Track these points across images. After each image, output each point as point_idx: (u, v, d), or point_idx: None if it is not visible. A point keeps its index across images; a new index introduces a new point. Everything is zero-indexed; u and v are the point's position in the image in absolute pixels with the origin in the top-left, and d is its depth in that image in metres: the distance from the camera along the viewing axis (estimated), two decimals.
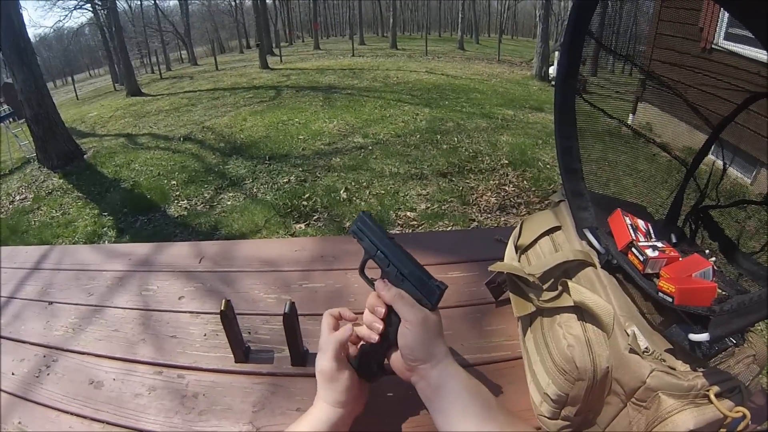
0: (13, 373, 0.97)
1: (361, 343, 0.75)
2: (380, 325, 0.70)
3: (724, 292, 0.61)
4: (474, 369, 0.86)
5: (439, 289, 0.68)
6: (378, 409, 0.79)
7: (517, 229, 0.89)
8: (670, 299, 0.58)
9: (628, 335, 0.59)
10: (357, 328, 0.75)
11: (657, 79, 0.81)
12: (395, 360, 0.71)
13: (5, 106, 9.38)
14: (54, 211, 5.65)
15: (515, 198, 4.75)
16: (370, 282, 0.75)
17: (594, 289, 0.66)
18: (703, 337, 0.53)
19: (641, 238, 0.70)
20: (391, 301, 0.68)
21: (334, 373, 0.70)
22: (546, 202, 4.56)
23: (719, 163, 0.81)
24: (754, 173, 4.76)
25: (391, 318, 0.70)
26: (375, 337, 0.71)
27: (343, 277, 1.15)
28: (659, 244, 0.68)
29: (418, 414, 0.78)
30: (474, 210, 4.54)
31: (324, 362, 0.71)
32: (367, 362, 0.73)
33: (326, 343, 0.72)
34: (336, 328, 0.75)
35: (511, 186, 5.04)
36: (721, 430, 0.56)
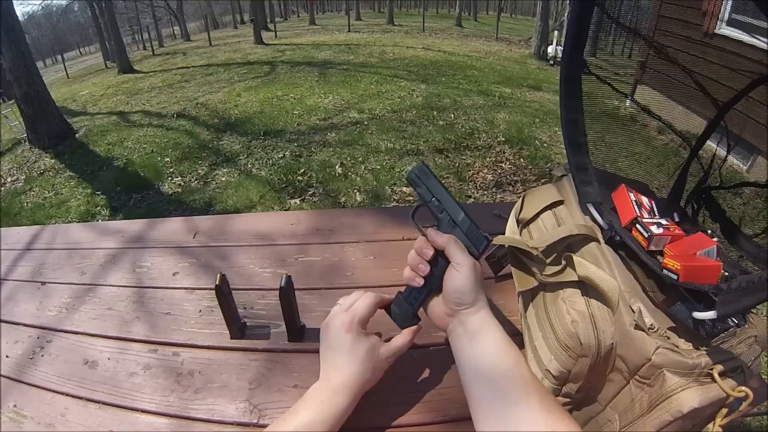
0: (7, 356, 0.95)
1: (399, 290, 0.77)
2: (426, 268, 0.72)
3: (727, 272, 0.60)
4: None
5: (486, 240, 0.71)
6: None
7: (518, 203, 0.88)
8: (675, 276, 0.57)
9: (634, 312, 0.58)
10: (405, 271, 0.76)
11: (665, 56, 0.79)
12: (434, 306, 0.73)
13: None
14: (46, 191, 5.60)
15: (511, 176, 4.74)
16: (420, 228, 0.77)
17: (598, 265, 0.65)
18: (709, 315, 0.53)
19: (645, 215, 0.69)
20: (445, 245, 0.70)
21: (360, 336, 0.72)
22: (543, 180, 4.56)
23: (718, 146, 0.80)
24: (750, 160, 4.77)
25: (438, 261, 0.72)
26: (420, 281, 0.72)
27: (339, 250, 1.14)
28: (663, 222, 0.67)
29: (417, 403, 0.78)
30: (470, 186, 4.54)
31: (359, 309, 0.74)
32: (406, 308, 0.76)
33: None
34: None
35: (507, 163, 5.03)
36: (723, 409, 0.55)
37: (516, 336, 0.86)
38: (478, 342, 0.65)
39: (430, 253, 0.72)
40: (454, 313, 0.68)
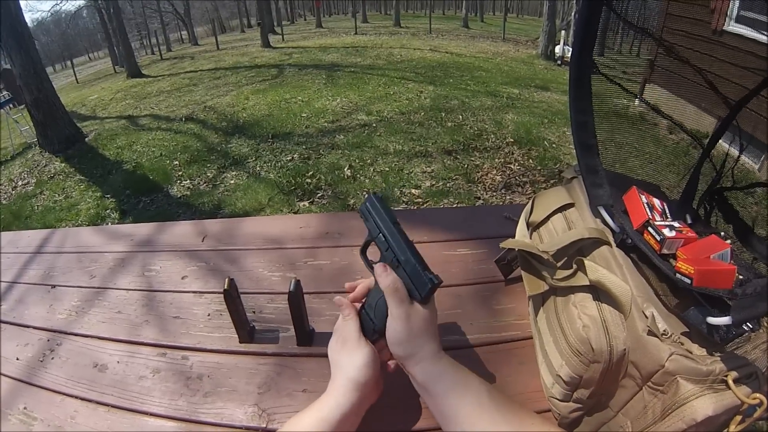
0: (17, 358, 0.96)
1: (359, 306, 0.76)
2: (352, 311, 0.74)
3: (741, 276, 0.59)
4: (483, 348, 0.85)
5: (431, 283, 0.66)
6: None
7: (528, 206, 0.87)
8: (689, 281, 0.56)
9: (647, 317, 0.57)
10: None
11: (676, 55, 0.78)
12: (387, 350, 0.71)
13: (5, 92, 9.41)
14: (57, 195, 5.66)
15: (520, 177, 4.72)
16: (369, 264, 0.75)
17: (610, 269, 0.64)
18: (724, 320, 0.51)
19: (657, 218, 0.68)
20: (385, 290, 0.67)
21: (357, 343, 0.70)
22: (552, 181, 4.54)
23: (730, 145, 0.79)
24: (762, 159, 4.72)
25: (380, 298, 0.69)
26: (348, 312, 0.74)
27: (349, 254, 1.14)
28: (676, 224, 0.66)
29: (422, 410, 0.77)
30: (479, 188, 4.52)
31: (348, 331, 0.71)
32: (367, 323, 0.73)
33: (349, 315, 0.73)
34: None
35: (516, 164, 5.01)
36: (737, 416, 0.54)
37: (526, 340, 0.86)
38: (430, 394, 0.64)
39: (358, 305, 0.73)
40: (400, 363, 0.67)
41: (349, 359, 0.69)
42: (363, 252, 0.77)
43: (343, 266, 1.10)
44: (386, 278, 0.67)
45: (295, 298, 0.81)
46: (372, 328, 0.71)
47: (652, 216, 0.67)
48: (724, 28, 5.03)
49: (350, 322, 0.72)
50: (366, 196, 0.74)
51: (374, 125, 6.45)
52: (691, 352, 0.55)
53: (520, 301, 0.95)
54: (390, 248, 0.71)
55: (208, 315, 0.99)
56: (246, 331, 0.90)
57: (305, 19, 37.15)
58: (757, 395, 0.52)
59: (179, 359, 0.90)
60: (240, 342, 0.91)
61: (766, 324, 0.59)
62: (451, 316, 0.92)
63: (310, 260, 1.13)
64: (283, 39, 18.77)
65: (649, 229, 0.65)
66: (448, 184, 4.59)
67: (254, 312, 0.98)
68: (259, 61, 13.10)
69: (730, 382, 0.52)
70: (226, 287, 0.81)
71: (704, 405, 0.52)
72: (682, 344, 0.55)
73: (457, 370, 0.65)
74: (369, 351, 0.69)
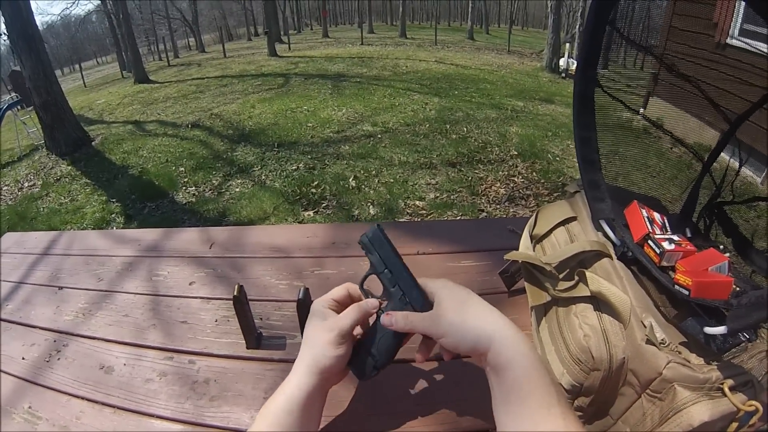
0: (23, 358, 0.97)
1: (358, 336, 0.73)
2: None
3: (738, 287, 0.61)
4: None
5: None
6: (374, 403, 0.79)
7: (532, 219, 0.88)
8: (687, 292, 0.58)
9: (645, 326, 0.58)
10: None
11: (676, 72, 0.79)
12: None
13: (14, 94, 9.47)
14: (62, 197, 5.69)
15: (524, 189, 4.73)
16: (369, 297, 0.74)
17: (611, 280, 0.66)
18: (719, 330, 0.53)
19: (657, 231, 0.69)
20: (412, 329, 0.66)
21: (341, 336, 0.67)
22: (555, 194, 4.54)
23: (731, 159, 0.80)
24: (765, 172, 4.71)
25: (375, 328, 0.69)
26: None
27: (355, 264, 1.15)
28: (675, 238, 0.67)
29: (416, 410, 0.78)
30: (483, 201, 4.52)
31: (344, 321, 0.68)
32: (361, 357, 0.71)
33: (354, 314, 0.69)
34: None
35: (520, 177, 5.01)
36: (733, 423, 0.55)
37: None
38: (494, 386, 0.61)
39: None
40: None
41: (321, 341, 0.67)
42: (362, 285, 0.75)
43: (349, 276, 1.11)
44: (401, 321, 0.66)
45: (304, 306, 0.81)
46: (373, 364, 0.70)
47: (653, 230, 0.69)
48: (728, 41, 5.05)
49: (351, 317, 0.69)
50: (370, 228, 0.71)
51: (379, 136, 6.47)
52: (688, 361, 0.56)
53: (522, 313, 0.96)
54: (398, 284, 0.69)
55: (216, 321, 1.00)
56: (253, 337, 0.91)
57: (312, 29, 37.41)
58: (753, 403, 0.54)
59: (186, 363, 0.91)
60: (247, 348, 0.92)
61: (764, 334, 0.60)
62: None
63: (316, 269, 1.14)
64: (289, 48, 18.88)
65: (649, 242, 0.67)
66: (452, 197, 4.60)
67: (261, 319, 0.99)
68: (266, 69, 13.17)
69: (726, 389, 0.54)
70: (235, 293, 0.83)
71: (700, 411, 0.53)
72: (680, 353, 0.57)
73: (516, 363, 0.58)
74: (345, 349, 0.67)
